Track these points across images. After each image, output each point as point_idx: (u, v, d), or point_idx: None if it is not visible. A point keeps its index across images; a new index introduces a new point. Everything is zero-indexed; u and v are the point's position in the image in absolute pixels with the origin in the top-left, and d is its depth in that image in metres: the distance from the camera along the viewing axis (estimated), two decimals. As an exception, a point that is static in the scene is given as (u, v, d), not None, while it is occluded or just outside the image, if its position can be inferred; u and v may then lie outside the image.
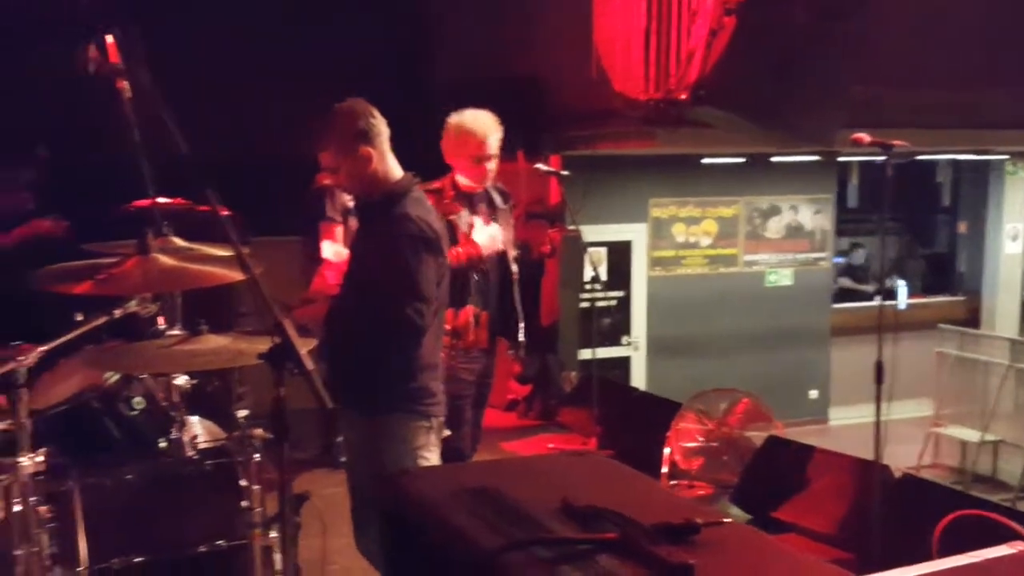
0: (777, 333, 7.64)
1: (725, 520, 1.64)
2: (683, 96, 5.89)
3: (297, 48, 7.00)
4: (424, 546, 1.71)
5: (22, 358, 2.35)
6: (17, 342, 2.50)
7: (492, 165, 4.38)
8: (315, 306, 3.73)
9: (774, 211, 7.67)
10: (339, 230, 5.47)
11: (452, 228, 4.25)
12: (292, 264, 5.46)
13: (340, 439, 5.74)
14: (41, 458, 2.36)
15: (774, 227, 7.65)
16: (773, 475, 4.91)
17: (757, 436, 5.27)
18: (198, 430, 3.45)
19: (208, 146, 2.09)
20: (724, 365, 7.28)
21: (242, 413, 4.66)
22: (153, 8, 2.30)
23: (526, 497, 1.71)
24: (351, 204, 5.58)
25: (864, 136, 4.30)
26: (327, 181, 5.50)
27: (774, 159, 7.43)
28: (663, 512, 1.63)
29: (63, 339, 2.70)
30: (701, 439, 5.41)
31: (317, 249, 5.47)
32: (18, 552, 2.34)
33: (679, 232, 7.44)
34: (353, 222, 5.58)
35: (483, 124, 4.32)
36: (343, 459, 5.63)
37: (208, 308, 3.35)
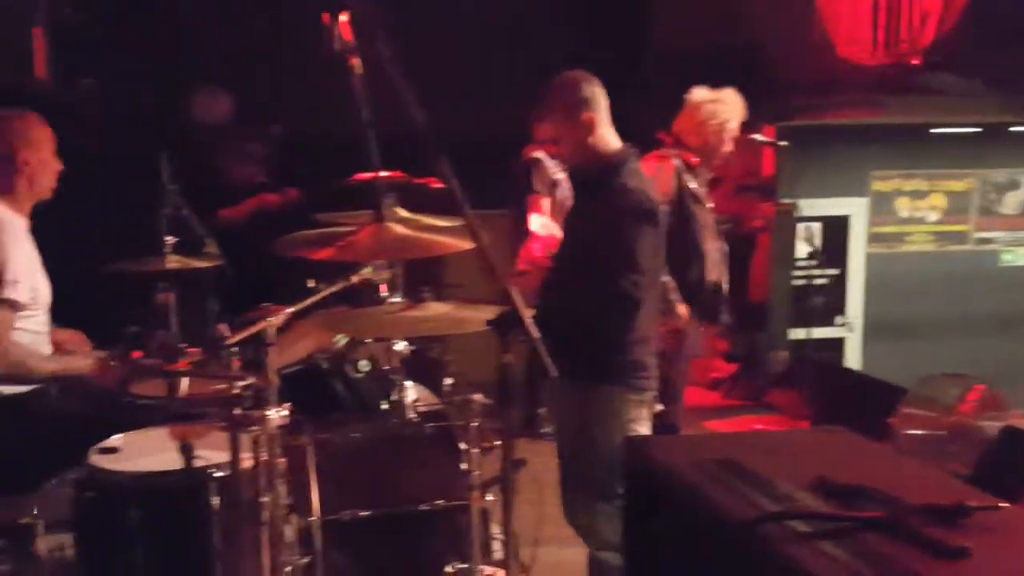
0: (1011, 317, 7.06)
1: (1001, 504, 1.52)
2: (915, 61, 5.55)
3: (508, 20, 7.03)
4: (672, 514, 1.67)
5: (272, 319, 2.47)
6: (266, 303, 2.64)
7: (730, 147, 4.39)
8: (527, 278, 3.77)
9: (1012, 185, 7.08)
10: (546, 203, 5.54)
11: (694, 196, 4.28)
12: (499, 237, 5.54)
13: (542, 410, 5.84)
14: (286, 412, 2.48)
15: (1011, 202, 7.07)
16: (1010, 467, 4.57)
17: (991, 426, 4.92)
18: (414, 394, 3.55)
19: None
20: (949, 350, 6.81)
21: (448, 380, 4.81)
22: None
23: (777, 471, 1.64)
24: (557, 177, 5.66)
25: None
26: (535, 154, 5.59)
27: (1013, 129, 6.88)
28: (929, 493, 1.53)
29: (309, 301, 2.84)
30: (928, 427, 5.11)
31: (524, 222, 5.54)
32: (264, 499, 2.47)
33: (903, 207, 7.01)
34: (560, 195, 5.65)
35: (734, 105, 4.36)
36: (544, 430, 5.75)
37: (420, 279, 3.45)
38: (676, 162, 4.22)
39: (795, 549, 1.39)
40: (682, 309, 4.17)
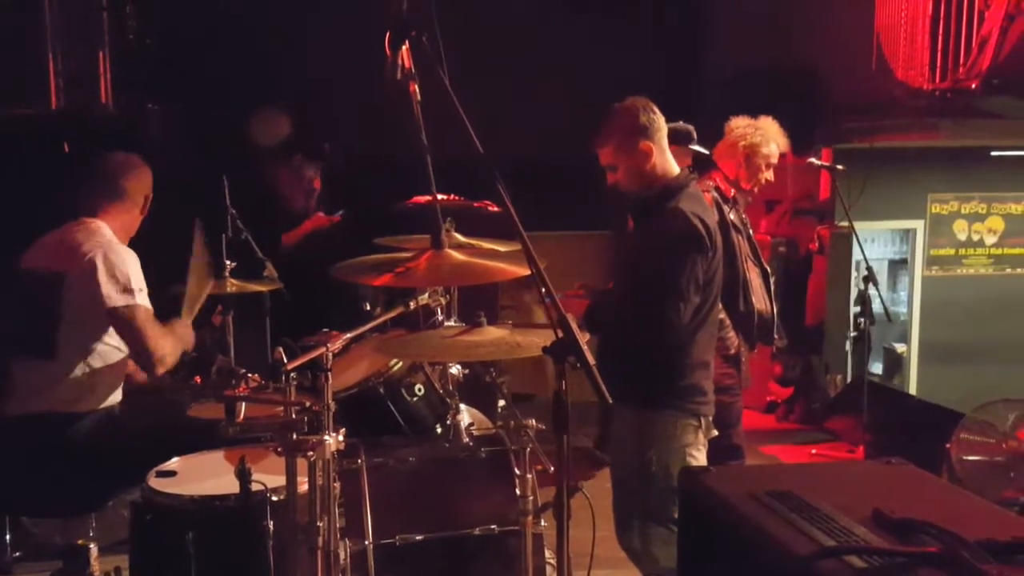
0: (1072, 342, 6.93)
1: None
2: (973, 85, 5.50)
3: (565, 46, 7.06)
4: (727, 545, 1.67)
5: (330, 344, 2.49)
6: (325, 329, 2.67)
7: (769, 175, 4.40)
8: (575, 302, 3.76)
9: (1072, 208, 6.97)
10: None
11: (734, 226, 4.30)
12: (550, 261, 5.54)
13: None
14: (341, 438, 2.50)
15: (1070, 225, 6.96)
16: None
17: (1050, 453, 4.83)
18: (468, 418, 3.56)
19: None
20: (1008, 375, 6.66)
21: (501, 403, 4.80)
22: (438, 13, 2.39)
23: (833, 503, 1.64)
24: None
25: None
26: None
27: (1074, 151, 6.76)
28: (985, 527, 1.52)
29: (367, 327, 2.85)
30: (985, 453, 5.02)
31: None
32: (320, 523, 2.49)
33: (960, 229, 6.92)
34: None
35: (770, 133, 4.39)
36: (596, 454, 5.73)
37: (474, 301, 3.46)
38: (714, 195, 4.25)
39: (851, 585, 1.38)
40: (733, 339, 4.21)
